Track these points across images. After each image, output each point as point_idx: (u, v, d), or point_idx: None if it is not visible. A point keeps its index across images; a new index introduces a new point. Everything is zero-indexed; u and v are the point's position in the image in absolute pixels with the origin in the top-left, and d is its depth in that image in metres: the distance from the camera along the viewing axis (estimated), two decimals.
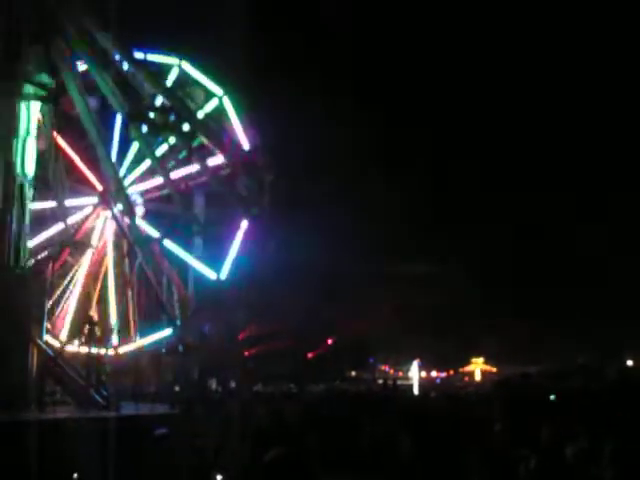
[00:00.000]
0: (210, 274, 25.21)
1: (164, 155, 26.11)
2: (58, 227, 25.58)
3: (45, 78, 21.23)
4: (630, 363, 61.61)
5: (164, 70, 26.59)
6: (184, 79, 26.79)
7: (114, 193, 25.06)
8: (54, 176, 22.55)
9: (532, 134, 66.49)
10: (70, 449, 14.79)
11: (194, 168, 25.50)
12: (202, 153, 25.24)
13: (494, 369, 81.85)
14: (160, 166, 24.88)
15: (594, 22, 59.95)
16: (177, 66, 26.75)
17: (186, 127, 24.50)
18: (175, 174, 25.44)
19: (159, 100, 24.83)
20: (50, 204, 24.15)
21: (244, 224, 24.94)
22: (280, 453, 5.81)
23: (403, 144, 60.27)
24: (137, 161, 27.21)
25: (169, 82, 26.36)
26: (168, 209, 26.47)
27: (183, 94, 25.97)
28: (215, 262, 25.40)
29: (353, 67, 56.56)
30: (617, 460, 6.81)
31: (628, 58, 60.17)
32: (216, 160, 25.37)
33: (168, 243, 25.63)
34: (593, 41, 61.51)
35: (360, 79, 58.64)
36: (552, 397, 19.13)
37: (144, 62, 25.27)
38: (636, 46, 57.25)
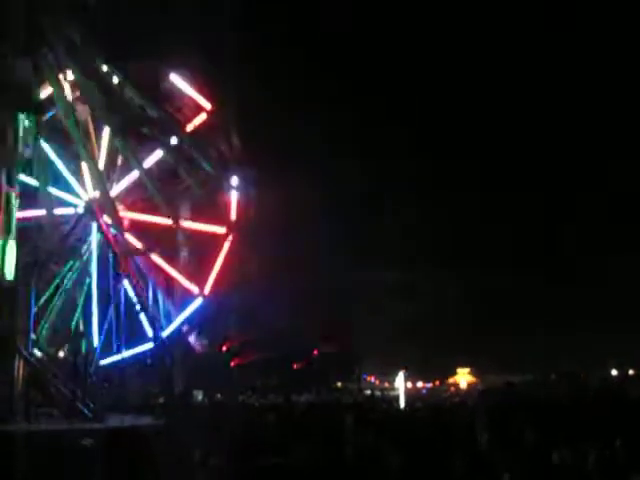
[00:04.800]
0: (193, 289, 25.45)
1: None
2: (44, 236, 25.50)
3: (32, 90, 21.24)
4: (614, 372, 61.86)
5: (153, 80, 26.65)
6: (172, 90, 26.82)
7: (101, 204, 25.12)
8: (41, 185, 22.43)
9: (526, 136, 66.69)
10: (56, 459, 14.77)
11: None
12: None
13: (479, 379, 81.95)
14: (147, 177, 24.88)
15: (592, 29, 60.34)
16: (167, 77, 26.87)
17: (173, 140, 24.65)
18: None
19: (147, 112, 24.83)
20: (39, 212, 23.97)
21: (227, 243, 25.25)
22: (269, 463, 5.92)
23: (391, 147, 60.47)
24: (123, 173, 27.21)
25: (157, 93, 26.38)
26: (153, 220, 26.46)
27: (171, 105, 26.05)
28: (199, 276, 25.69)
29: (352, 77, 56.81)
30: (601, 465, 6.97)
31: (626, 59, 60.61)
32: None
33: (154, 256, 25.80)
34: (592, 42, 61.79)
35: (358, 85, 58.88)
36: None
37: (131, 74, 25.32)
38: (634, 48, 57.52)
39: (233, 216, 25.93)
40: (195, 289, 25.41)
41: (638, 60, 59.34)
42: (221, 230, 25.84)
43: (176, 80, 26.69)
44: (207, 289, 25.27)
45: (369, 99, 59.66)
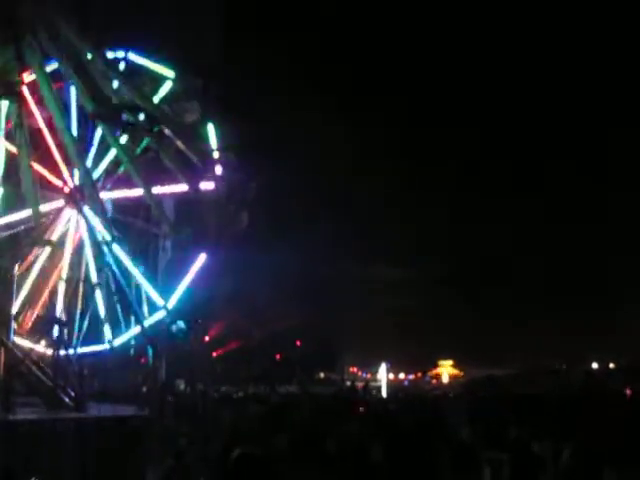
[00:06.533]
0: (158, 300, 24.98)
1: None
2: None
3: (13, 77, 21.09)
4: (595, 366, 62.33)
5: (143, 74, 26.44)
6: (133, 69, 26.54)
7: (84, 192, 24.98)
8: (25, 171, 22.23)
9: (513, 141, 67.23)
10: (37, 449, 14.72)
11: (182, 187, 25.34)
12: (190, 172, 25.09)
13: (461, 372, 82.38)
14: (134, 168, 24.75)
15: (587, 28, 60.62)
16: (123, 58, 26.56)
17: (155, 127, 24.44)
18: (160, 190, 25.35)
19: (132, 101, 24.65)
20: (25, 213, 23.79)
21: (201, 257, 24.78)
22: (244, 452, 5.91)
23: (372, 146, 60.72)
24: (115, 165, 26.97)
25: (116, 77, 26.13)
26: (136, 223, 26.31)
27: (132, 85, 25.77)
28: (170, 286, 25.32)
29: (339, 75, 56.95)
30: (574, 460, 7.03)
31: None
32: (208, 185, 25.22)
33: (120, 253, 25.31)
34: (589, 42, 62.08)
35: (347, 86, 59.09)
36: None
37: (116, 62, 25.17)
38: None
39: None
40: (160, 300, 25.00)
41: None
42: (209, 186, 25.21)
43: (134, 58, 26.30)
44: (171, 303, 24.90)
45: (364, 100, 59.94)
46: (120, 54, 26.47)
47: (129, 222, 26.34)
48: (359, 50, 61.20)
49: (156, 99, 25.85)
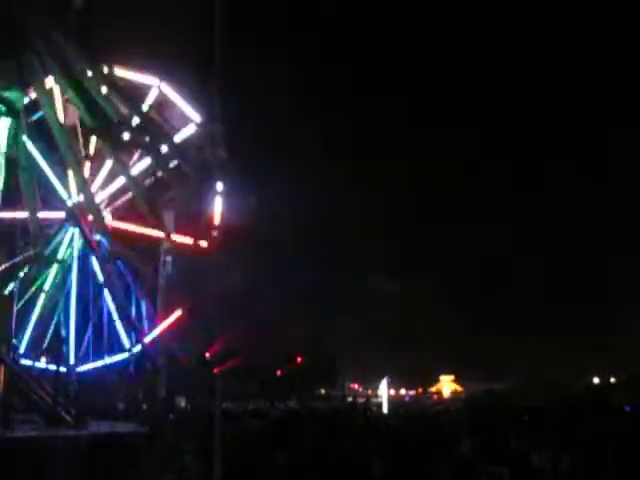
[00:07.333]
0: (125, 341, 25.19)
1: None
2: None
3: (15, 94, 21.10)
4: (596, 380, 62.10)
5: (142, 90, 26.40)
6: (162, 100, 26.55)
7: (85, 209, 25.00)
8: (26, 187, 22.17)
9: (513, 141, 67.10)
10: (36, 467, 14.67)
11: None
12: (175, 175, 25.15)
13: (462, 387, 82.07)
14: (134, 184, 24.77)
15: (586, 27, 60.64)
16: (157, 87, 26.54)
17: (161, 148, 24.48)
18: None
19: (134, 119, 24.65)
20: (21, 214, 23.65)
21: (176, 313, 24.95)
22: (229, 469, 5.96)
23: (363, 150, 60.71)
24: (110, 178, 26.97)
25: (147, 103, 26.14)
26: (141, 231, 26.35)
27: (159, 115, 25.77)
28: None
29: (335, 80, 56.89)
30: (573, 469, 7.05)
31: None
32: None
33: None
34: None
35: (347, 86, 59.01)
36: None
37: (117, 81, 25.18)
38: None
39: (216, 223, 25.64)
40: (126, 343, 25.15)
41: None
42: (203, 244, 25.41)
43: (166, 90, 26.45)
44: (136, 347, 25.07)
45: (360, 100, 59.94)
46: (155, 82, 26.48)
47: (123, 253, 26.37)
48: (359, 50, 61.08)
49: (177, 139, 25.84)
